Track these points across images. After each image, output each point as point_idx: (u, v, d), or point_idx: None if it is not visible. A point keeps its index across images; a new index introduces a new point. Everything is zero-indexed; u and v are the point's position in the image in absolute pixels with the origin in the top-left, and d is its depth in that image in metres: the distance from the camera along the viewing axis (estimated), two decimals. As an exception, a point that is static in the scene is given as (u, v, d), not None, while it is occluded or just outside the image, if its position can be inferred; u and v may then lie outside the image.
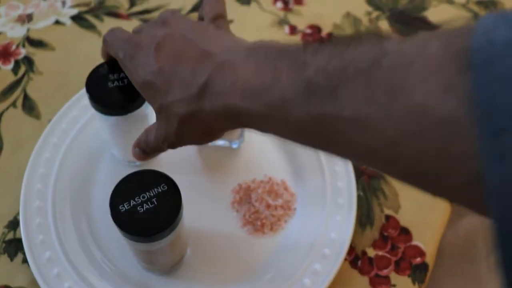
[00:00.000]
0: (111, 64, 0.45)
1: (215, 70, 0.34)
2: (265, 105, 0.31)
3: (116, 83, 0.44)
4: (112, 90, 0.44)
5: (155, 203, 0.39)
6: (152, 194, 0.39)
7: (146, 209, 0.39)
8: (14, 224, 0.51)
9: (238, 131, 0.54)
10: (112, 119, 0.46)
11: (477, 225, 0.88)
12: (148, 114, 0.48)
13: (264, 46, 0.34)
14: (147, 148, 0.41)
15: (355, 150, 0.28)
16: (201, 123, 0.36)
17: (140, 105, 0.45)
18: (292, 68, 0.30)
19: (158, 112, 0.38)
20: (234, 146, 0.56)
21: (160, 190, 0.40)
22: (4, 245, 0.50)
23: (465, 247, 0.84)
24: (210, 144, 0.55)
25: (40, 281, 0.45)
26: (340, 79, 0.27)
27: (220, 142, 0.55)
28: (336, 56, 0.28)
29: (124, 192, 0.39)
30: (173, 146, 0.39)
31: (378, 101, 0.25)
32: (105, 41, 0.43)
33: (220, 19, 0.40)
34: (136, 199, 0.39)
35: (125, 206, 0.39)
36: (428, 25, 0.69)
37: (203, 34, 0.38)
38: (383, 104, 0.25)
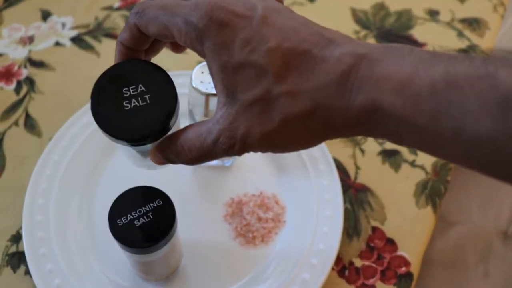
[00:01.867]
0: (125, 70, 0.33)
1: (352, 60, 0.28)
2: (431, 113, 0.26)
3: (134, 101, 0.32)
4: (128, 112, 0.32)
5: (151, 217, 0.42)
6: (148, 209, 0.42)
7: (142, 223, 0.41)
8: (17, 238, 0.53)
9: None
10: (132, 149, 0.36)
11: (466, 234, 0.90)
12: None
13: (406, 46, 0.29)
14: (183, 157, 0.32)
15: None
16: (318, 122, 0.29)
17: (165, 133, 0.33)
18: (473, 75, 0.25)
19: (252, 103, 0.29)
20: (227, 164, 0.58)
21: (155, 205, 0.42)
22: (7, 258, 0.52)
23: (455, 255, 0.87)
24: (202, 165, 0.58)
25: (42, 292, 0.48)
26: None
27: (213, 162, 0.58)
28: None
29: (122, 207, 0.42)
30: (245, 151, 0.31)
31: None
32: (142, 7, 0.31)
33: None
34: (133, 214, 0.42)
35: (123, 220, 0.41)
36: (414, 43, 0.72)
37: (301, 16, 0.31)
38: None
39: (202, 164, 0.58)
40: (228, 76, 0.29)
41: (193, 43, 0.30)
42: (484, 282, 0.88)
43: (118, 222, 0.41)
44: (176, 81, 0.60)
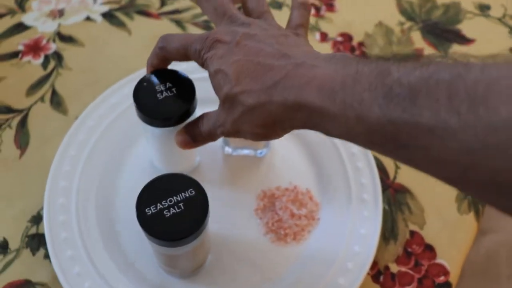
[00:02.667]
0: (157, 75, 0.45)
1: (292, 67, 0.36)
2: (340, 104, 0.32)
3: (165, 94, 0.44)
4: (160, 101, 0.44)
5: (182, 208, 0.39)
6: (179, 199, 0.39)
7: (172, 213, 0.38)
8: (37, 219, 0.51)
9: None
10: (158, 130, 0.45)
11: (499, 243, 0.86)
12: None
13: (345, 55, 0.35)
14: (199, 134, 0.43)
15: (427, 157, 0.29)
16: (265, 115, 0.37)
17: (187, 117, 0.45)
18: (374, 73, 0.31)
19: (223, 101, 0.39)
20: (260, 155, 0.55)
21: (187, 195, 0.39)
22: (27, 239, 0.50)
23: (486, 265, 0.83)
24: (234, 153, 0.55)
25: (61, 279, 0.45)
26: (421, 87, 0.28)
27: (245, 151, 0.55)
28: (419, 68, 0.29)
29: (151, 195, 0.39)
30: (228, 134, 0.41)
31: (459, 111, 0.26)
32: (165, 43, 0.43)
33: (302, 28, 0.42)
34: (163, 203, 0.39)
35: (152, 209, 0.38)
36: (462, 38, 0.68)
37: (283, 39, 0.39)
38: (464, 114, 0.26)
39: (235, 153, 0.55)
40: (212, 80, 0.40)
41: (198, 61, 0.42)
42: (516, 293, 0.84)
43: (146, 211, 0.38)
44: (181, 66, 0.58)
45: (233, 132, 0.40)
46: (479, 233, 0.83)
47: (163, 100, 0.44)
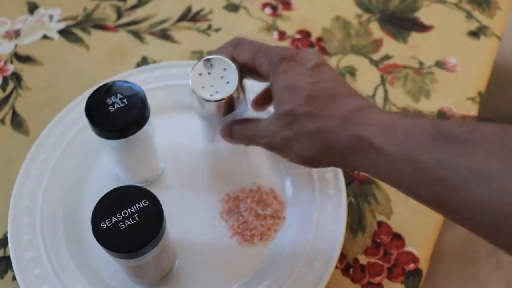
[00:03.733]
0: (108, 87, 0.45)
1: (362, 106, 0.38)
2: (396, 143, 0.34)
3: (116, 105, 0.44)
4: (112, 113, 0.43)
5: (137, 219, 0.39)
6: (133, 210, 0.39)
7: (127, 225, 0.38)
8: (3, 242, 0.51)
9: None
10: (114, 142, 0.45)
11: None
12: (149, 135, 0.48)
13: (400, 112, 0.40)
14: (244, 133, 0.44)
15: (472, 202, 0.31)
16: (323, 142, 0.38)
17: (141, 127, 0.45)
18: (428, 122, 0.34)
19: (282, 115, 0.40)
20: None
21: (141, 206, 0.39)
22: (-6, 263, 0.50)
23: (465, 248, 0.83)
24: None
25: (28, 299, 0.45)
26: (473, 134, 0.31)
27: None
28: (468, 124, 0.33)
29: (106, 209, 0.39)
30: (271, 147, 0.42)
31: (508, 160, 0.29)
32: (239, 48, 0.44)
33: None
34: (117, 216, 0.39)
35: (107, 223, 0.38)
36: (420, 26, 0.69)
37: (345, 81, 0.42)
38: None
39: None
40: (278, 91, 0.41)
41: (267, 71, 0.42)
42: (496, 274, 0.84)
43: (101, 225, 0.38)
44: (170, 71, 0.58)
45: (279, 147, 0.41)
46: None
47: (115, 112, 0.44)
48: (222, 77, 0.44)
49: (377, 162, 0.36)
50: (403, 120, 0.36)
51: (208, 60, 0.44)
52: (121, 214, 0.39)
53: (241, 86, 0.45)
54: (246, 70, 0.44)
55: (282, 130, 0.40)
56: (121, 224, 0.38)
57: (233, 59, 0.44)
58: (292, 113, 0.39)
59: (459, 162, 0.31)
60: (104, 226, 0.38)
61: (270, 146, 0.42)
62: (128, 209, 0.39)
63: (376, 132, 0.35)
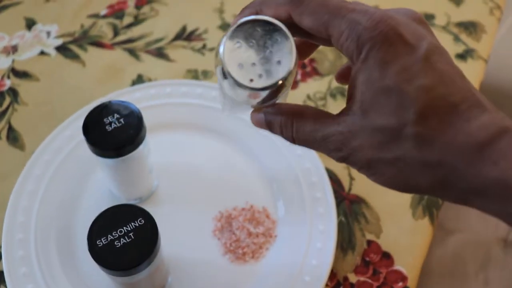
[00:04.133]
0: (105, 107, 0.46)
1: (497, 130, 0.27)
2: None
3: (113, 125, 0.45)
4: (109, 132, 0.45)
5: (132, 237, 0.40)
6: (129, 229, 0.40)
7: (123, 243, 0.39)
8: (-3, 257, 0.51)
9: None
10: (110, 161, 0.47)
11: (465, 242, 0.88)
12: (144, 154, 0.49)
13: None
14: (311, 136, 0.32)
15: None
16: (433, 176, 0.28)
17: (137, 146, 0.46)
18: None
19: (381, 131, 0.28)
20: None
21: (137, 224, 0.40)
22: (-13, 278, 0.50)
23: (454, 264, 0.85)
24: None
25: (21, 315, 0.46)
26: None
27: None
28: None
29: (102, 227, 0.40)
30: (348, 163, 0.31)
31: None
32: (300, 2, 0.30)
33: None
34: (113, 234, 0.40)
35: (103, 241, 0.39)
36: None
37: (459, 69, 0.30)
38: None
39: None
40: (370, 92, 0.28)
41: (350, 48, 0.29)
42: (484, 290, 0.86)
43: (97, 243, 0.39)
44: (165, 90, 0.59)
45: (364, 166, 0.30)
46: (445, 234, 0.85)
47: (112, 131, 0.45)
48: (271, 52, 0.31)
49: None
50: None
51: (253, 22, 0.30)
52: (117, 232, 0.40)
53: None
54: (309, 36, 0.32)
55: (372, 149, 0.29)
56: (116, 242, 0.39)
57: (290, 24, 0.30)
58: (395, 132, 0.28)
59: None
60: (100, 244, 0.39)
61: (349, 162, 0.31)
62: (124, 228, 0.40)
63: None
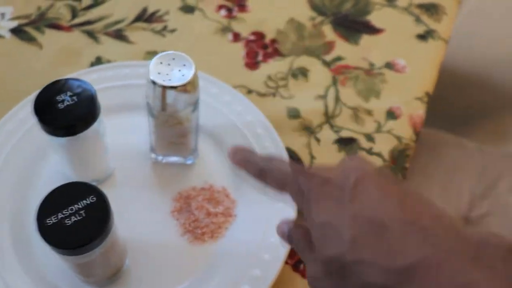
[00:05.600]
0: (57, 84, 0.45)
1: (424, 255, 0.27)
2: None
3: (66, 102, 0.44)
4: (61, 110, 0.43)
5: (83, 215, 0.39)
6: (80, 206, 0.39)
7: (73, 222, 0.38)
8: (-51, 242, 0.50)
9: (191, 145, 0.53)
10: (63, 140, 0.45)
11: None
12: (99, 133, 0.48)
13: (489, 244, 0.28)
14: (283, 234, 0.37)
15: None
16: None
17: (90, 124, 0.45)
18: None
19: (327, 262, 0.31)
20: (189, 162, 0.55)
21: (88, 202, 0.39)
22: None
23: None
24: (164, 161, 0.55)
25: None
26: None
27: (173, 158, 0.55)
28: None
29: (51, 205, 0.39)
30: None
31: None
32: (268, 167, 0.36)
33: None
34: (64, 212, 0.39)
35: (52, 219, 0.38)
36: (371, 29, 0.71)
37: (410, 198, 0.31)
38: None
39: (164, 160, 0.55)
40: (316, 230, 0.32)
41: (298, 202, 0.35)
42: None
43: (47, 221, 0.38)
44: (123, 71, 0.58)
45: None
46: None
47: (64, 109, 0.44)
48: (179, 70, 0.45)
49: None
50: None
51: (170, 55, 0.45)
52: (67, 210, 0.39)
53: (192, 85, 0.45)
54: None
55: (330, 278, 0.31)
56: (67, 220, 0.38)
57: None
58: (339, 261, 0.30)
59: None
60: (49, 223, 0.38)
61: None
62: (75, 205, 0.39)
63: None
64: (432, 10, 0.73)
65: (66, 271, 0.47)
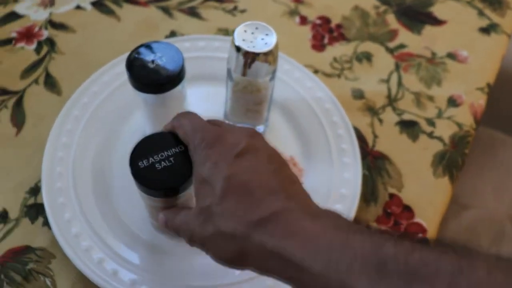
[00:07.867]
0: (148, 47, 0.48)
1: (281, 211, 0.33)
2: (323, 264, 0.30)
3: (156, 62, 0.47)
4: (151, 69, 0.47)
5: (172, 161, 0.41)
6: (169, 154, 0.42)
7: (163, 167, 0.41)
8: (35, 190, 0.54)
9: (264, 114, 0.56)
10: (151, 97, 0.49)
11: (480, 217, 0.90)
12: (183, 94, 0.51)
13: (337, 214, 0.35)
14: (169, 223, 0.41)
15: None
16: (236, 248, 0.34)
17: (177, 84, 0.48)
18: (367, 242, 0.30)
19: (200, 211, 0.37)
20: (260, 130, 0.57)
21: (177, 150, 0.42)
22: (25, 209, 0.52)
23: (467, 238, 0.86)
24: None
25: (60, 241, 0.48)
26: (419, 271, 0.28)
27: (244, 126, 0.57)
28: (418, 251, 0.29)
29: (144, 150, 0.42)
30: (192, 243, 0.38)
31: None
32: (179, 122, 0.42)
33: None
34: (154, 157, 0.41)
35: (144, 163, 0.41)
36: (434, 20, 0.72)
37: (284, 168, 0.38)
38: None
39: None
40: (196, 185, 0.38)
41: (192, 157, 0.39)
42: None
43: (139, 164, 0.41)
44: (199, 44, 0.61)
45: (199, 246, 0.38)
46: (460, 208, 0.86)
47: (154, 68, 0.47)
48: (262, 39, 0.47)
49: (297, 278, 0.32)
50: (334, 231, 0.32)
51: (254, 24, 0.48)
52: (158, 156, 0.41)
53: (272, 56, 0.48)
54: None
55: (200, 230, 0.36)
56: (157, 165, 0.41)
57: None
58: (208, 211, 0.35)
59: None
60: (141, 166, 0.41)
61: (192, 244, 0.38)
62: (165, 152, 0.42)
63: (296, 245, 0.32)
64: (495, 4, 0.75)
65: (139, 217, 0.50)
